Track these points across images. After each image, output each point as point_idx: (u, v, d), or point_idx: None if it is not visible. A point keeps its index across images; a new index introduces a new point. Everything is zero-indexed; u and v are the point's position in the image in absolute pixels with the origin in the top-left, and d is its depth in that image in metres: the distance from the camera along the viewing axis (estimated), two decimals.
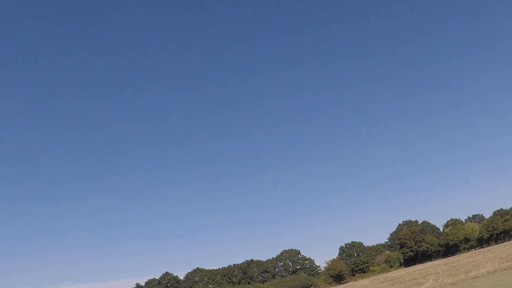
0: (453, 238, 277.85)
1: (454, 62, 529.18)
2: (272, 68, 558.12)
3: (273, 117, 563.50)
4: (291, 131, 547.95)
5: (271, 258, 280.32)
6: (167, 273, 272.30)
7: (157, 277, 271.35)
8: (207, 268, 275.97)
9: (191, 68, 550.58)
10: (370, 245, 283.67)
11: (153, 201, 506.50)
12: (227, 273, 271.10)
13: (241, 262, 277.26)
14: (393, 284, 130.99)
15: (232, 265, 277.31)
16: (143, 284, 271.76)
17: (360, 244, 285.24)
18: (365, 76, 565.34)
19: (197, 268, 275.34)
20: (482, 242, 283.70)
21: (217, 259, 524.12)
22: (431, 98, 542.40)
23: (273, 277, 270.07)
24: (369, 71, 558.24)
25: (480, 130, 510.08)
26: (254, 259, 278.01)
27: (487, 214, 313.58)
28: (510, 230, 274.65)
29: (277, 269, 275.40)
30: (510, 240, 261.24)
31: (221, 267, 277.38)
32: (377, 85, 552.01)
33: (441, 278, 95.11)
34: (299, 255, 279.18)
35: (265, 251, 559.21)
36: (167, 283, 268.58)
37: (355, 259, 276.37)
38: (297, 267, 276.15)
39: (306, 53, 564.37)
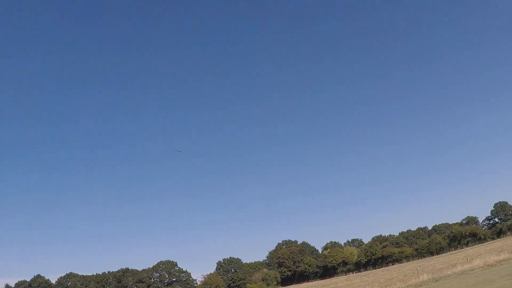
0: (332, 261, 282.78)
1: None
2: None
3: None
4: None
5: (147, 268, 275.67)
6: (38, 276, 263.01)
7: (28, 279, 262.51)
8: (81, 274, 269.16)
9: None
10: (248, 262, 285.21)
11: (26, 203, 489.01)
12: (101, 280, 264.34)
13: (116, 270, 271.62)
14: None
15: (106, 272, 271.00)
16: (13, 286, 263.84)
17: (238, 260, 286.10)
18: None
19: (70, 273, 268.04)
20: (360, 266, 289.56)
21: (91, 265, 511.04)
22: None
23: (148, 287, 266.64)
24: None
25: (348, 160, 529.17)
26: (130, 268, 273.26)
27: (366, 239, 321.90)
28: (387, 256, 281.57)
29: (152, 280, 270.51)
30: (387, 266, 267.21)
31: (95, 274, 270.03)
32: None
33: None
34: (176, 267, 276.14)
35: (141, 260, 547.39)
36: (38, 286, 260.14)
37: (233, 275, 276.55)
38: (173, 279, 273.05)
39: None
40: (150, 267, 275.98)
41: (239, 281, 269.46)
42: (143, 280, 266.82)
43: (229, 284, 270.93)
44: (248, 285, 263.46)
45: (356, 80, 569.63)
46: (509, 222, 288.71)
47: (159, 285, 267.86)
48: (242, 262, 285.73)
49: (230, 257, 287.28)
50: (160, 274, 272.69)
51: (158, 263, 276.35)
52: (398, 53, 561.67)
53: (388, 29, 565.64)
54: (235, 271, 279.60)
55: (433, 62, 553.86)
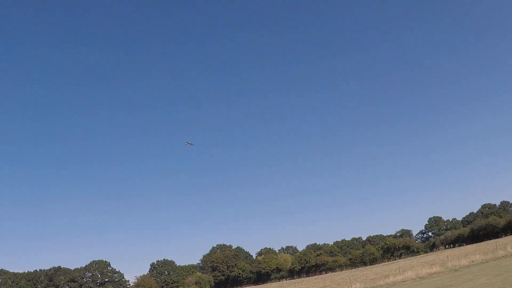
0: (265, 267, 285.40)
1: None
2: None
3: None
4: None
5: (79, 267, 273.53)
6: None
7: None
8: (12, 271, 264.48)
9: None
10: (182, 265, 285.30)
11: None
12: (32, 278, 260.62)
13: (48, 268, 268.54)
14: None
15: (38, 270, 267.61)
16: None
17: (172, 262, 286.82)
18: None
19: (1, 269, 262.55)
20: (293, 273, 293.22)
21: (23, 262, 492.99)
22: None
23: (80, 287, 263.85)
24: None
25: (284, 168, 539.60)
26: (62, 267, 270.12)
27: (301, 247, 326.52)
28: (321, 265, 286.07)
29: (85, 280, 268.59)
30: (321, 274, 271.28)
31: (26, 272, 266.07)
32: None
33: None
34: (108, 267, 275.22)
35: (74, 259, 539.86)
36: None
37: (166, 277, 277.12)
38: (106, 280, 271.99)
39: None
40: (83, 266, 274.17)
41: (172, 283, 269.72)
42: (75, 280, 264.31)
43: (162, 287, 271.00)
44: None
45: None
46: (442, 237, 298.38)
47: (91, 285, 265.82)
48: (176, 264, 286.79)
49: (164, 259, 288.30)
50: (92, 274, 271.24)
51: (91, 262, 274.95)
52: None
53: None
54: (169, 274, 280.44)
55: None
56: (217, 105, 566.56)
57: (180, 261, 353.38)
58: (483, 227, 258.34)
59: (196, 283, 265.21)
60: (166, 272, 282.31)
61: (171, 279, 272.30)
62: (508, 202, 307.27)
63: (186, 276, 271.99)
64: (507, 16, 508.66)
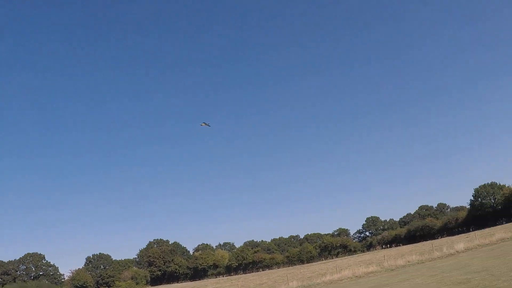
0: (202, 263, 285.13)
1: None
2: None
3: None
4: None
5: (13, 260, 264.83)
6: None
7: None
8: None
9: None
10: (118, 259, 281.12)
11: None
12: None
13: None
14: None
15: None
16: None
17: (108, 256, 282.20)
18: None
19: None
20: (230, 270, 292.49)
21: None
22: None
23: (14, 280, 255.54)
24: None
25: (222, 165, 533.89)
26: None
27: (238, 244, 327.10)
28: (259, 262, 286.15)
29: (18, 273, 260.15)
30: (258, 271, 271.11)
31: None
32: None
33: None
34: (43, 260, 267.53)
35: (8, 251, 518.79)
36: None
37: (101, 271, 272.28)
38: (40, 273, 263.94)
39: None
40: (17, 259, 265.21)
41: (108, 278, 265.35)
42: (9, 272, 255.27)
43: (98, 281, 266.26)
44: (117, 283, 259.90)
45: None
46: (379, 237, 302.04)
47: (25, 278, 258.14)
48: (112, 259, 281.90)
49: (100, 253, 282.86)
50: (26, 267, 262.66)
51: (25, 255, 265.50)
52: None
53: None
54: (104, 268, 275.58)
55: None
56: None
57: (117, 256, 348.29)
58: (420, 228, 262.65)
59: (132, 278, 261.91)
60: (102, 266, 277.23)
61: (106, 274, 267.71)
62: (445, 204, 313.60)
63: (122, 271, 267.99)
64: None
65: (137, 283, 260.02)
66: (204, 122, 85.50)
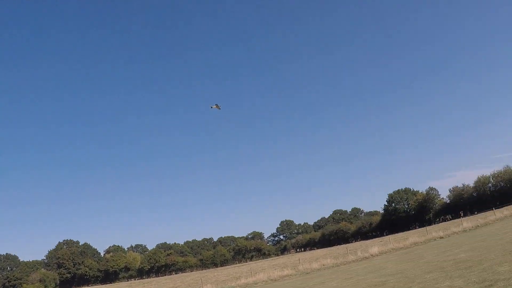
0: (114, 265, 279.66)
1: None
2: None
3: None
4: None
5: None
6: None
7: None
8: None
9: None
10: (26, 261, 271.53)
11: None
12: None
13: None
14: None
15: None
16: None
17: (15, 257, 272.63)
18: None
19: None
20: (142, 273, 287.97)
21: None
22: None
23: None
24: None
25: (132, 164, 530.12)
26: None
27: (151, 246, 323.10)
28: (171, 265, 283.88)
29: None
30: (171, 274, 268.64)
31: None
32: None
33: None
34: None
35: None
36: None
37: (8, 273, 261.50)
38: None
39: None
40: None
41: (15, 280, 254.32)
42: None
43: (4, 284, 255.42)
44: (24, 285, 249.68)
45: None
46: (293, 240, 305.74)
47: None
48: (20, 260, 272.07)
49: (6, 254, 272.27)
50: None
51: None
52: None
53: None
54: (11, 270, 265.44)
55: None
56: None
57: (24, 257, 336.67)
58: (334, 232, 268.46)
59: (40, 281, 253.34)
60: (8, 268, 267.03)
61: (13, 276, 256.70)
62: (359, 209, 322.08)
63: (30, 273, 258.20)
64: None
65: (45, 286, 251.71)
66: (216, 104, 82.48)
